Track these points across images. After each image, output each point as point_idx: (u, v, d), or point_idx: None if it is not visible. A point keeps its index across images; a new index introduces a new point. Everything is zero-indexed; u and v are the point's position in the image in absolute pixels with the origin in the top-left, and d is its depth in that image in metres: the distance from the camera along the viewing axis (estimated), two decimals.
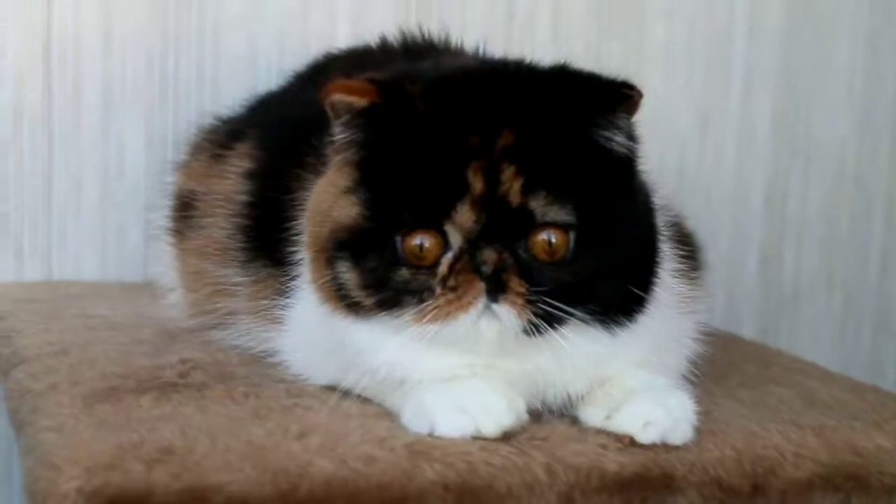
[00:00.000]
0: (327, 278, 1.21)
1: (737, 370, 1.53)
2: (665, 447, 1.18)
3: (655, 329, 1.26)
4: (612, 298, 1.20)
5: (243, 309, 1.47)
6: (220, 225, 1.53)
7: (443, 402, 1.18)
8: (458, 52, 1.68)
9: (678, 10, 2.15)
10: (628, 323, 1.22)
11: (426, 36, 1.71)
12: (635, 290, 1.22)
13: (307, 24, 1.99)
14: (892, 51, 2.25)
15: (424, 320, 1.16)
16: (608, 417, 1.21)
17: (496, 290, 1.14)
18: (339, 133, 1.22)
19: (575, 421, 1.25)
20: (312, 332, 1.32)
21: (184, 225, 1.63)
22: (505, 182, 1.15)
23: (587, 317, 1.19)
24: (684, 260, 1.37)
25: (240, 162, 1.56)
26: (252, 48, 1.98)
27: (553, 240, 1.16)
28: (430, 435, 1.16)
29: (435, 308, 1.15)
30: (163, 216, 1.73)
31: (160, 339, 1.53)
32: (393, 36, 1.72)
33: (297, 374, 1.36)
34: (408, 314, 1.17)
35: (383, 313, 1.19)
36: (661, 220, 1.29)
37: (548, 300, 1.15)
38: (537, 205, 1.15)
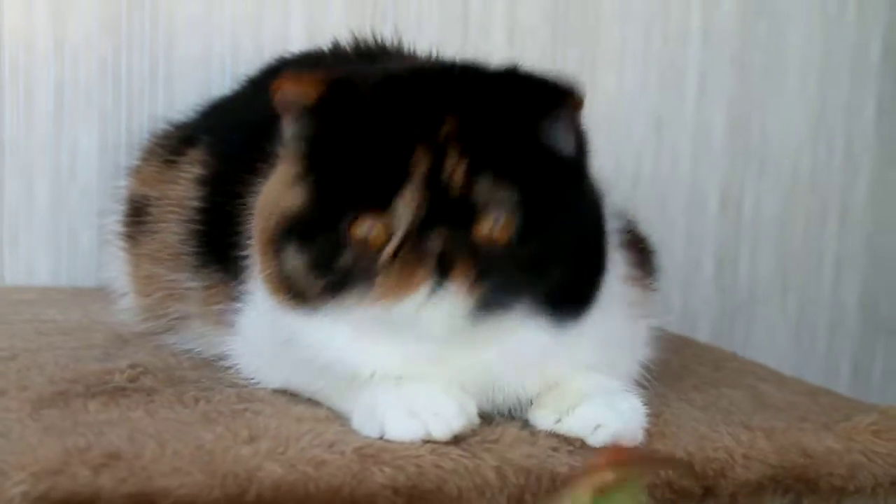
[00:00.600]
0: (275, 269, 1.21)
1: (689, 373, 1.53)
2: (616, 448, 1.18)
3: (606, 331, 1.26)
4: (558, 288, 1.19)
5: (195, 313, 1.47)
6: (173, 230, 1.53)
7: (393, 406, 1.18)
8: (411, 56, 1.67)
9: (633, 13, 2.15)
10: (576, 317, 1.21)
11: (379, 40, 1.70)
12: (582, 284, 1.22)
13: (261, 27, 1.99)
14: (845, 54, 2.26)
15: (370, 303, 1.15)
16: (558, 421, 1.21)
17: (442, 272, 1.13)
18: (288, 128, 1.23)
19: (526, 424, 1.24)
20: (263, 335, 1.32)
21: (136, 230, 1.62)
22: (449, 166, 1.15)
23: (534, 304, 1.18)
24: (637, 265, 1.37)
25: (192, 168, 1.56)
26: (206, 51, 1.98)
27: (498, 224, 1.16)
28: (381, 438, 1.16)
29: (381, 291, 1.15)
30: (115, 221, 1.72)
31: (111, 344, 1.52)
32: (346, 40, 1.72)
33: (248, 379, 1.35)
34: (354, 298, 1.16)
35: (329, 299, 1.18)
36: (612, 225, 1.29)
37: (494, 282, 1.15)
38: (482, 189, 1.15)
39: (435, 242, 1.14)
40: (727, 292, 2.26)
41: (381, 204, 1.15)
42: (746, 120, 2.23)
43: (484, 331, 1.18)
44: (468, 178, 1.15)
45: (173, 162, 1.61)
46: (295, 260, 1.19)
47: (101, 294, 1.77)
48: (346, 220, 1.16)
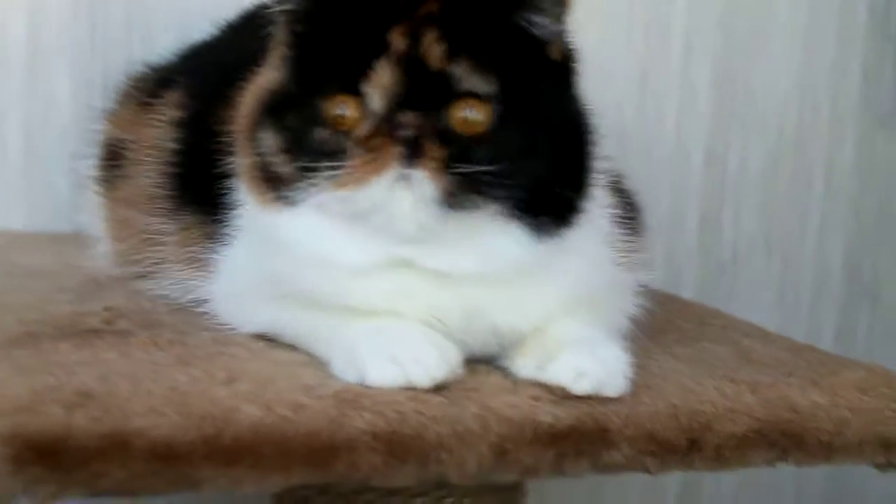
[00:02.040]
0: (253, 156, 1.20)
1: (674, 328, 1.52)
2: (599, 400, 1.16)
3: (589, 266, 1.25)
4: (536, 190, 1.16)
5: (171, 258, 1.44)
6: (149, 173, 1.50)
7: (374, 352, 1.15)
8: None
9: None
10: (553, 229, 1.19)
11: None
12: (562, 195, 1.19)
13: None
14: (833, 13, 2.24)
15: (339, 184, 1.14)
16: (540, 368, 1.19)
17: (413, 155, 1.11)
18: (276, 4, 1.21)
19: (508, 374, 1.22)
20: (242, 273, 1.30)
21: (112, 174, 1.60)
22: (427, 45, 1.14)
23: (507, 204, 1.16)
24: (625, 218, 1.34)
25: (169, 110, 1.53)
26: None
27: (474, 110, 1.14)
28: (361, 384, 1.14)
29: (350, 170, 1.13)
30: (90, 165, 1.69)
31: (85, 288, 1.49)
32: None
33: (225, 323, 1.33)
34: (324, 179, 1.14)
35: (301, 180, 1.16)
36: (600, 159, 1.26)
37: (466, 168, 1.12)
38: (459, 71, 1.14)
39: (407, 123, 1.12)
40: (711, 250, 2.24)
41: (356, 82, 1.13)
42: (732, 77, 2.22)
43: (455, 230, 1.15)
44: (446, 61, 1.13)
45: (150, 105, 1.58)
46: (271, 138, 1.18)
47: (76, 239, 1.74)
48: (322, 98, 1.14)
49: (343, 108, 1.14)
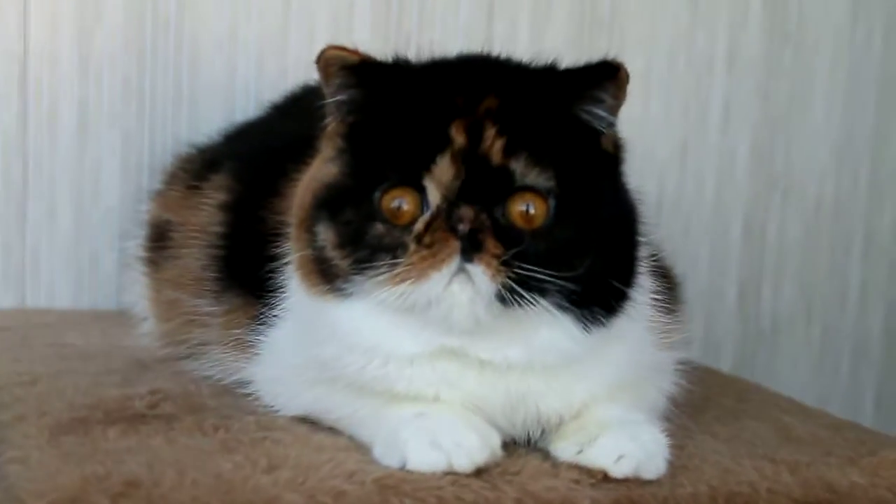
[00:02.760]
0: (307, 249, 1.21)
1: (713, 404, 1.52)
2: (638, 482, 1.17)
3: (633, 350, 1.26)
4: (588, 282, 1.17)
5: (216, 339, 1.46)
6: (195, 256, 1.53)
7: (416, 436, 1.16)
8: None
9: (658, 38, 2.15)
10: (603, 320, 1.20)
11: None
12: (612, 285, 1.20)
13: (286, 49, 1.99)
14: (871, 82, 2.25)
15: (397, 279, 1.14)
16: (580, 452, 1.20)
17: (471, 249, 1.12)
18: (330, 96, 1.22)
19: (548, 455, 1.23)
20: (286, 356, 1.31)
21: (158, 255, 1.63)
22: (487, 141, 1.15)
23: (562, 297, 1.16)
24: (664, 294, 1.35)
25: (215, 193, 1.56)
26: (230, 72, 1.97)
27: (532, 206, 1.15)
28: (402, 468, 1.15)
29: (409, 266, 1.13)
30: (137, 245, 1.72)
31: (131, 370, 1.51)
32: None
33: (269, 405, 1.34)
34: (382, 273, 1.15)
35: (358, 274, 1.16)
36: (643, 247, 1.28)
37: (523, 265, 1.13)
38: (518, 166, 1.15)
39: (466, 217, 1.12)
40: (750, 320, 2.24)
41: (415, 173, 1.14)
42: (770, 146, 2.22)
43: (509, 323, 1.17)
44: (505, 155, 1.15)
45: (196, 187, 1.60)
46: (326, 233, 1.19)
47: (121, 318, 1.77)
48: (380, 191, 1.15)
49: (401, 202, 1.15)
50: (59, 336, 1.71)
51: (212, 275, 1.48)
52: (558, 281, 1.15)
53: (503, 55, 1.33)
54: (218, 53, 1.97)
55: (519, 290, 1.13)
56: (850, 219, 2.27)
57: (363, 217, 1.16)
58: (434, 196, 1.14)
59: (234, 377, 1.42)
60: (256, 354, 1.37)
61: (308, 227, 1.21)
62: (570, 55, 2.04)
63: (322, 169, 1.22)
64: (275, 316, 1.34)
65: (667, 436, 1.24)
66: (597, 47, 2.09)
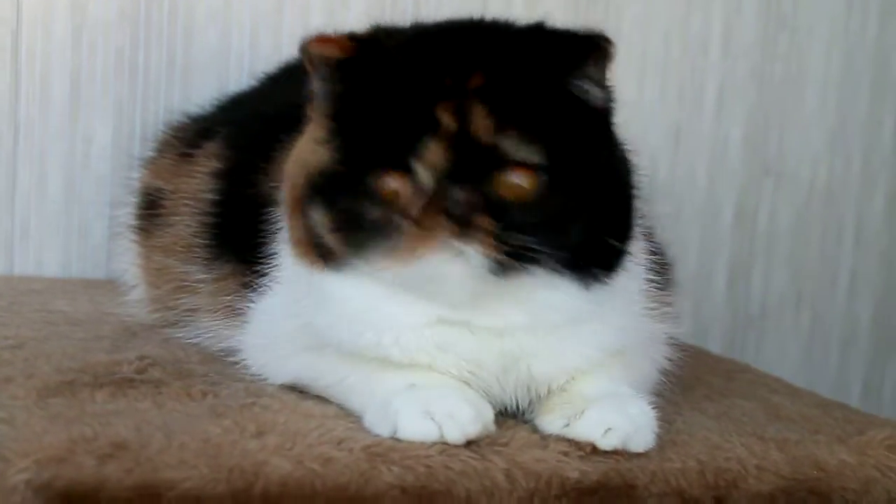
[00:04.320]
0: (303, 229, 1.21)
1: (702, 383, 1.52)
2: (626, 456, 1.17)
3: (627, 316, 1.26)
4: (583, 244, 1.18)
5: (205, 306, 1.46)
6: (186, 223, 1.52)
7: (408, 405, 1.16)
8: None
9: (654, 20, 2.14)
10: (602, 277, 1.21)
11: None
12: (609, 240, 1.21)
13: (280, 23, 1.98)
14: (866, 69, 2.25)
15: (393, 260, 1.15)
16: (567, 425, 1.20)
17: (464, 228, 1.13)
18: (317, 86, 1.22)
19: (536, 428, 1.23)
20: (277, 323, 1.31)
21: (149, 223, 1.62)
22: (475, 120, 1.15)
23: (557, 262, 1.17)
24: (656, 269, 1.35)
25: (208, 161, 1.55)
26: (224, 43, 1.97)
27: (522, 180, 1.15)
28: (393, 437, 1.15)
29: (403, 248, 1.14)
30: (128, 213, 1.71)
31: (119, 336, 1.51)
32: None
33: (257, 373, 1.34)
34: (377, 255, 1.16)
35: (353, 257, 1.18)
36: (637, 201, 1.28)
37: (516, 237, 1.14)
38: (507, 143, 1.15)
39: (458, 198, 1.13)
40: (739, 305, 2.24)
41: (406, 159, 1.14)
42: (764, 132, 2.22)
43: (507, 291, 1.17)
44: (494, 133, 1.14)
45: (189, 155, 1.60)
46: (321, 217, 1.19)
47: (110, 286, 1.76)
48: (372, 176, 1.15)
49: (393, 185, 1.15)
50: (47, 302, 1.71)
51: (203, 242, 1.48)
52: (553, 246, 1.15)
53: (489, 20, 1.32)
54: (212, 25, 1.97)
55: (512, 261, 1.14)
56: (842, 205, 2.27)
57: (357, 201, 1.16)
58: (425, 177, 1.14)
59: (223, 344, 1.42)
60: (246, 322, 1.37)
61: (303, 209, 1.21)
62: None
63: (313, 151, 1.22)
64: (266, 284, 1.34)
65: (655, 410, 1.23)
66: (594, 27, 2.08)
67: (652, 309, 1.32)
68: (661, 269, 1.38)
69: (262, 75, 1.81)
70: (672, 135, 2.19)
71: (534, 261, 1.15)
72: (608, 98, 1.24)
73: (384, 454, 1.11)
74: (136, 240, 1.66)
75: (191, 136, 1.67)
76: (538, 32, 1.24)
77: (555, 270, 1.17)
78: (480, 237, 1.13)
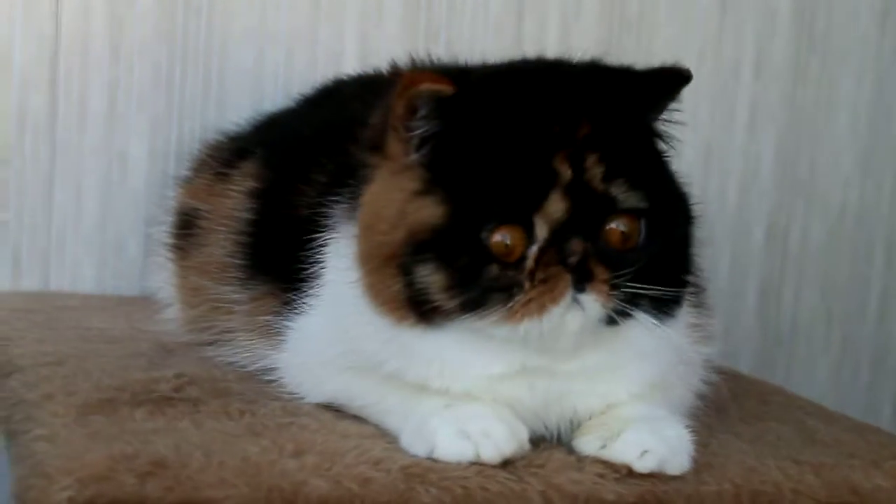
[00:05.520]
0: (399, 287, 1.18)
1: (736, 405, 1.51)
2: (662, 478, 1.17)
3: (672, 349, 1.26)
4: (673, 283, 1.20)
5: (241, 326, 1.46)
6: (222, 243, 1.52)
7: (445, 424, 1.17)
8: None
9: (687, 42, 2.15)
10: (674, 313, 1.22)
11: (435, 60, 1.69)
12: (684, 277, 1.24)
13: (315, 41, 1.98)
14: None
15: (516, 317, 1.14)
16: (604, 447, 1.20)
17: (583, 279, 1.13)
18: (416, 128, 1.18)
19: (572, 450, 1.23)
20: (315, 344, 1.31)
21: (185, 242, 1.63)
22: (589, 169, 1.14)
23: (650, 307, 1.18)
24: (695, 290, 1.36)
25: (244, 180, 1.56)
26: (259, 63, 1.97)
27: (628, 226, 1.16)
28: (430, 457, 1.15)
29: (527, 302, 1.13)
30: (163, 232, 1.72)
31: (156, 354, 1.52)
32: (402, 61, 1.71)
33: (294, 392, 1.34)
34: (496, 312, 1.15)
35: (468, 314, 1.16)
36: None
37: (630, 284, 1.15)
38: (618, 191, 1.15)
39: (576, 249, 1.13)
40: (770, 325, 2.24)
41: (526, 211, 1.13)
42: (795, 153, 2.22)
43: (606, 338, 1.19)
44: (605, 182, 1.15)
45: (225, 175, 1.60)
46: (432, 276, 1.16)
47: (145, 303, 1.77)
48: (486, 232, 1.14)
49: (509, 240, 1.14)
50: (83, 319, 1.72)
51: (238, 262, 1.48)
52: (655, 291, 1.17)
53: (556, 58, 1.34)
54: (248, 43, 1.97)
55: (625, 308, 1.16)
56: (873, 227, 2.27)
57: (473, 258, 1.14)
58: (541, 230, 1.14)
59: (259, 364, 1.42)
60: (283, 341, 1.37)
61: (401, 267, 1.17)
62: (597, 55, 2.07)
63: (411, 205, 1.17)
64: (302, 304, 1.34)
65: (691, 433, 1.23)
66: (625, 48, 2.09)
67: (691, 331, 1.33)
68: (698, 291, 1.39)
69: (298, 96, 1.81)
70: (703, 154, 2.19)
71: (640, 307, 1.17)
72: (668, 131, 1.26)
73: (422, 475, 1.12)
74: (171, 258, 1.66)
75: (227, 154, 1.67)
76: (624, 72, 1.25)
77: (648, 313, 1.18)
78: (599, 287, 1.14)
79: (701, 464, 1.22)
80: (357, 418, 1.27)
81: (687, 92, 2.10)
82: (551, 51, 2.02)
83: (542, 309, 1.13)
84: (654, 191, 1.17)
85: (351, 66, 1.91)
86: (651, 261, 1.17)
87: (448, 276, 1.16)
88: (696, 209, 1.29)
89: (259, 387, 1.38)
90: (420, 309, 1.18)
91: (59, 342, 1.55)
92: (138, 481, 1.04)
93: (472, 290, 1.15)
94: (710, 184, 2.19)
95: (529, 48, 2.01)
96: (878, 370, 2.29)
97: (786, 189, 2.23)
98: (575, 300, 1.13)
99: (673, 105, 1.24)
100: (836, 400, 2.16)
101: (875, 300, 2.28)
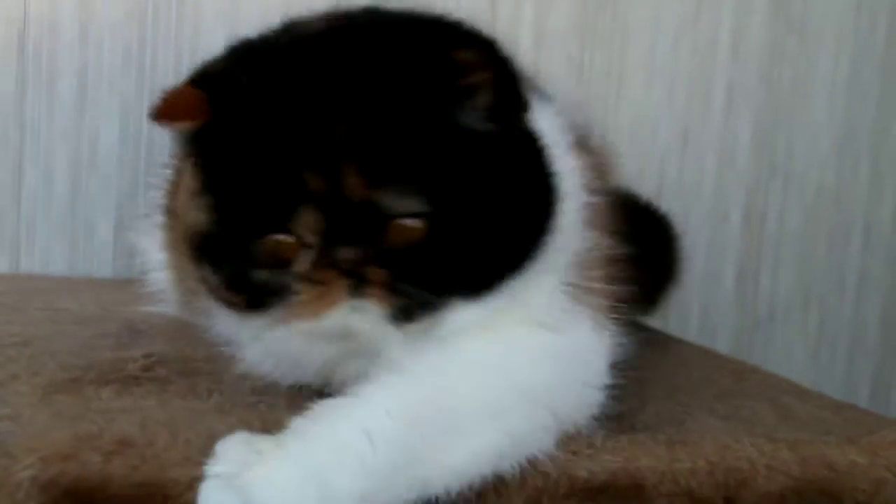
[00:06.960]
0: (200, 278, 1.19)
1: (711, 383, 1.51)
2: (635, 455, 1.16)
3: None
4: (482, 272, 1.14)
5: None
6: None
7: None
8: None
9: (663, 21, 2.14)
10: (510, 275, 1.16)
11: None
12: (513, 246, 1.16)
13: None
14: (874, 71, 2.25)
15: (294, 317, 1.12)
16: None
17: (358, 283, 1.10)
18: (178, 145, 1.19)
19: None
20: None
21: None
22: (346, 181, 1.08)
23: (463, 290, 1.13)
24: (648, 245, 1.30)
25: None
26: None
27: (407, 229, 1.10)
28: None
29: (303, 304, 1.11)
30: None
31: (125, 334, 1.51)
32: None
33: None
34: (278, 312, 1.13)
35: (254, 312, 1.16)
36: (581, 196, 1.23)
37: (406, 287, 1.10)
38: (384, 198, 1.09)
39: (346, 256, 1.09)
40: (747, 307, 2.24)
41: (281, 223, 1.10)
42: (772, 134, 2.22)
43: (420, 328, 1.13)
44: (368, 189, 1.08)
45: None
46: (212, 276, 1.16)
47: (116, 285, 1.76)
48: (253, 241, 1.11)
49: (278, 246, 1.11)
50: (52, 301, 1.70)
51: None
52: (452, 278, 1.13)
53: (371, 14, 1.26)
54: (219, 25, 1.97)
55: (413, 308, 1.12)
56: (851, 208, 2.27)
57: (244, 264, 1.13)
58: (309, 238, 1.10)
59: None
60: None
61: (194, 259, 1.18)
62: (573, 37, 2.07)
63: (189, 206, 1.17)
64: None
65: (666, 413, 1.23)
66: (601, 29, 2.08)
67: (598, 311, 1.26)
68: (658, 242, 1.33)
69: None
70: (680, 136, 2.18)
71: (437, 300, 1.12)
72: (507, 101, 1.15)
73: None
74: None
75: None
76: (423, 51, 1.14)
77: (461, 297, 1.14)
78: (375, 291, 1.10)
79: (675, 442, 1.21)
80: (325, 396, 1.26)
81: (663, 72, 2.14)
82: (525, 25, 2.03)
83: (317, 312, 1.11)
84: (447, 188, 1.10)
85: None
86: (447, 257, 1.11)
87: (224, 278, 1.15)
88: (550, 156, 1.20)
89: (229, 366, 1.36)
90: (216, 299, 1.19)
91: (27, 323, 1.54)
92: (103, 460, 1.02)
93: (249, 291, 1.14)
94: (687, 165, 2.19)
95: (502, 29, 1.99)
96: (855, 352, 2.30)
97: (763, 170, 2.23)
98: (354, 305, 1.10)
99: (489, 98, 1.13)
100: (813, 380, 2.16)
101: (852, 281, 2.28)
